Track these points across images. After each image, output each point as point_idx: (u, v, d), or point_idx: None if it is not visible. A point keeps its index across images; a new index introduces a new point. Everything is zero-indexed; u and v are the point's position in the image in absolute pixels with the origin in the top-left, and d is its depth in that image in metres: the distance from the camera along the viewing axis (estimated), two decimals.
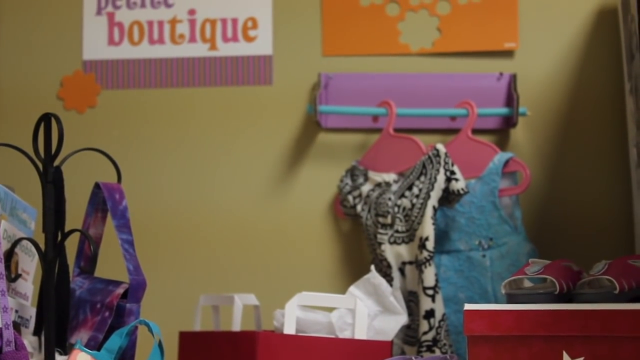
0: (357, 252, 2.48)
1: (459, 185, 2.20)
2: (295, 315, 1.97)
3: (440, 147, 2.24)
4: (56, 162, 1.83)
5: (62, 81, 2.56)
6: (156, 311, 2.19)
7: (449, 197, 2.21)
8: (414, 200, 2.22)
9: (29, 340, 1.86)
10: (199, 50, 2.54)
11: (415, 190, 2.23)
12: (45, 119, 1.81)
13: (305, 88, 2.52)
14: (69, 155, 1.83)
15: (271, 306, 2.22)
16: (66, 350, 1.84)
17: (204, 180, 2.53)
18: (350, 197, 2.36)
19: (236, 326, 2.23)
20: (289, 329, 1.96)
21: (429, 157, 2.23)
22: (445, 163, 2.21)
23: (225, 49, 2.54)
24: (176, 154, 2.54)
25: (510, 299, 1.69)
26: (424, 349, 2.14)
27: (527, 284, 1.75)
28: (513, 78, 2.42)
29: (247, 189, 2.52)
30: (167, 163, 2.54)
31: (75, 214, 1.96)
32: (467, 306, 1.65)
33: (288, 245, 2.50)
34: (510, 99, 2.41)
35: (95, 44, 2.55)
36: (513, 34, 2.46)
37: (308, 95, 2.51)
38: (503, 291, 1.70)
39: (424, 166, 2.24)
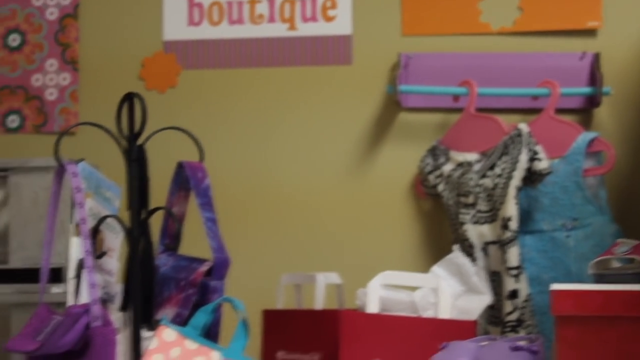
0: (438, 231, 2.46)
1: (542, 165, 2.18)
2: (378, 294, 1.97)
3: (523, 127, 2.21)
4: (139, 141, 1.84)
5: (143, 62, 2.57)
6: (239, 289, 2.19)
7: (532, 177, 2.19)
8: (497, 180, 2.20)
9: (116, 317, 1.88)
10: (278, 30, 2.54)
11: (497, 170, 2.21)
12: (128, 98, 1.82)
13: (384, 68, 2.51)
14: (152, 133, 1.84)
15: (354, 285, 2.21)
16: (152, 326, 1.85)
17: (284, 159, 2.53)
18: (431, 177, 2.35)
19: (319, 305, 2.23)
20: (372, 308, 1.96)
21: (511, 137, 2.21)
22: (528, 143, 2.18)
23: (305, 29, 2.53)
24: (256, 133, 2.54)
25: (598, 280, 1.67)
26: (509, 329, 2.12)
27: (615, 264, 1.73)
28: (596, 57, 2.38)
29: (327, 169, 2.51)
30: (247, 142, 2.54)
31: (158, 192, 1.97)
32: (555, 286, 1.63)
33: (370, 225, 2.49)
34: (594, 78, 2.37)
35: (176, 25, 2.56)
36: (596, 13, 2.42)
37: (387, 74, 2.50)
38: (590, 271, 1.69)
39: (505, 146, 2.21)
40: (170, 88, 2.56)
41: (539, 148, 2.18)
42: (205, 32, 2.55)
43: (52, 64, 2.56)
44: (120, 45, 2.59)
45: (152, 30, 2.58)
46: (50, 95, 2.55)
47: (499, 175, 2.20)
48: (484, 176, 2.23)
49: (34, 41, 2.57)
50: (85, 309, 1.69)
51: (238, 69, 2.54)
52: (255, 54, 2.53)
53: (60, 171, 1.80)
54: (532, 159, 2.17)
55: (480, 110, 2.37)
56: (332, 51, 2.52)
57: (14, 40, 2.58)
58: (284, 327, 2.25)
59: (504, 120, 2.33)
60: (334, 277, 2.26)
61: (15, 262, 1.90)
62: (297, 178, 2.52)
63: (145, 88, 2.56)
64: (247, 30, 2.54)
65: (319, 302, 2.23)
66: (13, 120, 2.54)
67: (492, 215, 2.21)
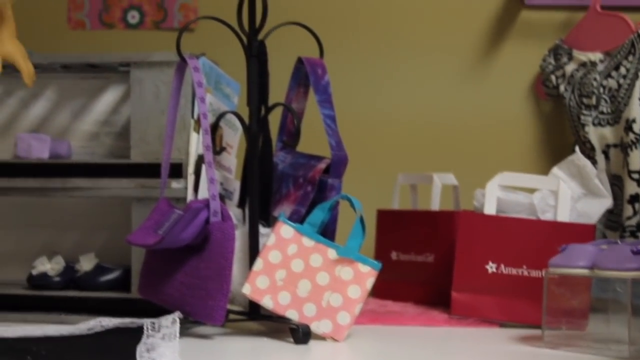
0: (558, 133, 2.42)
1: None
2: (496, 196, 1.95)
3: None
4: (260, 36, 1.83)
5: None
6: (355, 188, 2.19)
7: None
8: (621, 81, 2.14)
9: (234, 212, 1.90)
10: None
11: (622, 70, 2.15)
12: None
13: None
14: (273, 29, 1.83)
15: (470, 186, 2.19)
16: (269, 222, 1.87)
17: (403, 58, 2.50)
18: (553, 77, 2.30)
19: (435, 205, 2.22)
20: (490, 209, 1.94)
21: (639, 36, 2.14)
22: None
23: None
24: (375, 35, 2.51)
25: None
26: (628, 234, 2.08)
27: None
28: None
29: (446, 68, 2.48)
30: (367, 40, 2.51)
31: (278, 88, 1.97)
32: None
33: (488, 126, 2.46)
34: None
35: None
36: None
37: None
38: None
39: (632, 45, 2.14)
40: None
41: None
42: None
43: None
44: None
45: None
46: None
47: (624, 76, 2.14)
48: (608, 76, 2.17)
49: None
50: (205, 204, 1.71)
51: None
52: None
53: (181, 66, 1.80)
54: None
55: (606, 8, 2.29)
56: None
57: None
58: (398, 228, 2.25)
59: (632, 18, 2.26)
60: (450, 178, 2.25)
61: (136, 156, 1.92)
62: (416, 77, 2.49)
63: None
64: None
65: (435, 202, 2.22)
66: (133, 16, 2.56)
67: (615, 117, 2.15)
